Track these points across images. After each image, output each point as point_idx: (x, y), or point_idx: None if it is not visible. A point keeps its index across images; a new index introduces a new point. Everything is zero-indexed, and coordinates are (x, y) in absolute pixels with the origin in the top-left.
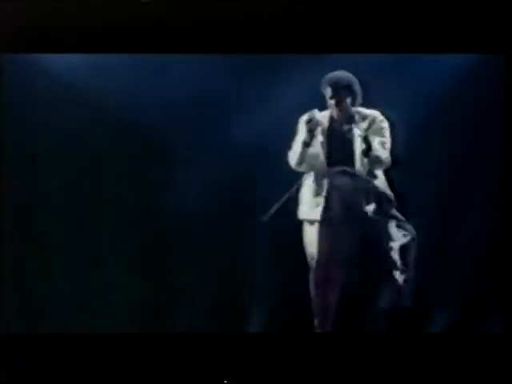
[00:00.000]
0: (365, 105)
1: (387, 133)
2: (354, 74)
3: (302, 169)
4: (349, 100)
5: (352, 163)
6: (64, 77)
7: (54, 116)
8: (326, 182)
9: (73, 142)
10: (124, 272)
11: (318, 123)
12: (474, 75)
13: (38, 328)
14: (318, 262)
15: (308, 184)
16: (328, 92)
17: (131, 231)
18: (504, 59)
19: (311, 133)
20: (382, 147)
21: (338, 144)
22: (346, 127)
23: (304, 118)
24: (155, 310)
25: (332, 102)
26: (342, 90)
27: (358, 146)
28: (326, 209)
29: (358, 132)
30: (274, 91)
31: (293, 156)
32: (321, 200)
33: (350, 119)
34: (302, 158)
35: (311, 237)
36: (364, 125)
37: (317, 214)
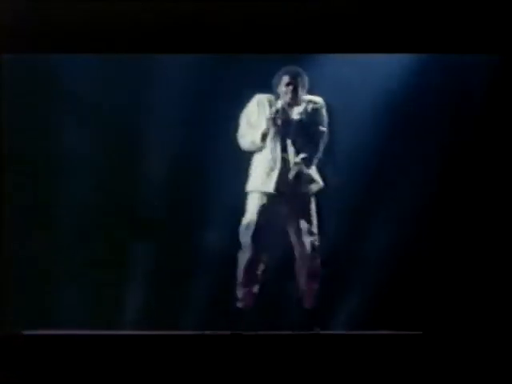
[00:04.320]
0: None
1: (325, 118)
2: (350, 72)
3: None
4: (301, 89)
5: (297, 151)
6: (64, 77)
7: (54, 116)
8: (278, 163)
9: (72, 140)
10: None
11: (281, 114)
12: (469, 75)
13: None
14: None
15: (260, 161)
16: (285, 79)
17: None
18: (498, 60)
19: (273, 123)
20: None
21: (287, 132)
22: (295, 117)
23: (260, 97)
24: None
25: (289, 88)
26: (298, 78)
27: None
28: (278, 183)
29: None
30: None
31: (249, 145)
32: (274, 175)
33: (298, 105)
34: (257, 147)
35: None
36: (308, 108)
37: (270, 186)
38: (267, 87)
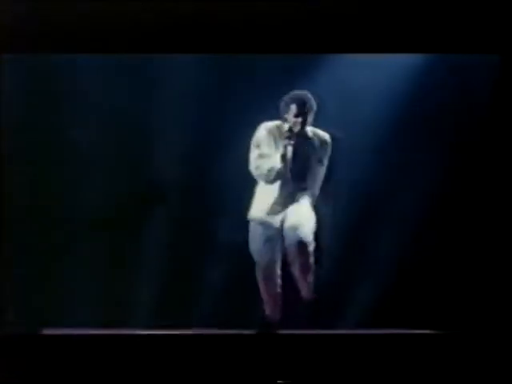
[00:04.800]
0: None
1: (327, 155)
2: (350, 73)
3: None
4: (309, 116)
5: (304, 177)
6: (64, 77)
7: (54, 115)
8: (286, 192)
9: (72, 140)
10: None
11: (294, 135)
12: (469, 75)
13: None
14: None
15: (265, 190)
16: (293, 109)
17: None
18: (498, 60)
19: (287, 143)
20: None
21: (296, 158)
22: (304, 143)
23: (268, 126)
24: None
25: (298, 119)
26: (306, 106)
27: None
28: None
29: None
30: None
31: (267, 173)
32: (279, 208)
33: (306, 135)
34: (278, 173)
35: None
36: (316, 143)
37: (276, 220)
38: (267, 87)
